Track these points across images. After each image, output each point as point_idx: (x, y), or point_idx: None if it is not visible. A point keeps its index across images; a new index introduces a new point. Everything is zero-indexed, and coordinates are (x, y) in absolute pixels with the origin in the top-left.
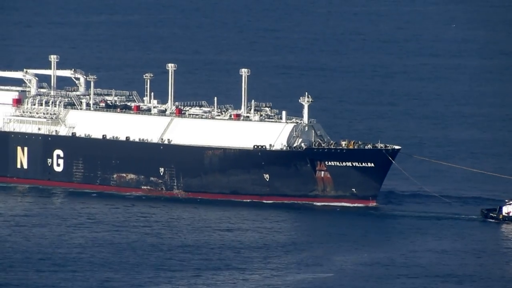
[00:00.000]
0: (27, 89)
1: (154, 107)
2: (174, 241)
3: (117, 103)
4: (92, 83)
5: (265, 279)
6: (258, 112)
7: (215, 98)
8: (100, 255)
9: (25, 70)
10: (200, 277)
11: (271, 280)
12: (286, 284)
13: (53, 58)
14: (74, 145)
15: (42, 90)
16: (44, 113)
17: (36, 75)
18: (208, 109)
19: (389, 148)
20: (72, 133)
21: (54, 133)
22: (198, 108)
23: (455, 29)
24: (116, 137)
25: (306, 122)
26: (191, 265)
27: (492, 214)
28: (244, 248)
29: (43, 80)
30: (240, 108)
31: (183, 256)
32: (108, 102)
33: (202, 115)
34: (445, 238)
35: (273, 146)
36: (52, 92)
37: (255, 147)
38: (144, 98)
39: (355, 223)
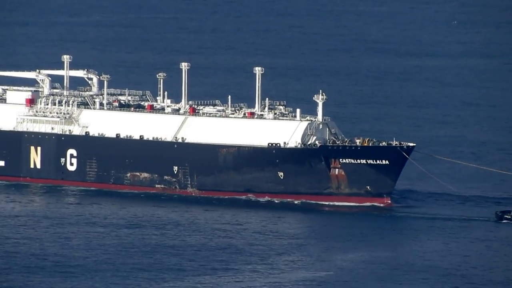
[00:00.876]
0: (40, 89)
1: (167, 106)
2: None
3: (131, 102)
4: (105, 83)
5: (273, 278)
6: (272, 110)
7: (229, 97)
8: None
9: (38, 70)
10: (202, 276)
11: (275, 279)
12: (293, 282)
13: (66, 58)
14: (88, 145)
15: (55, 90)
16: (57, 113)
17: (49, 75)
18: (222, 107)
19: (403, 145)
20: (86, 132)
21: (67, 133)
22: (212, 107)
23: (466, 29)
24: (130, 136)
25: (321, 120)
26: (196, 264)
27: (507, 216)
28: (259, 245)
29: (56, 81)
30: (254, 107)
31: (191, 255)
32: (122, 101)
33: (216, 113)
34: (459, 240)
35: (288, 144)
36: (65, 92)
37: (269, 145)
38: (158, 98)
39: (369, 222)
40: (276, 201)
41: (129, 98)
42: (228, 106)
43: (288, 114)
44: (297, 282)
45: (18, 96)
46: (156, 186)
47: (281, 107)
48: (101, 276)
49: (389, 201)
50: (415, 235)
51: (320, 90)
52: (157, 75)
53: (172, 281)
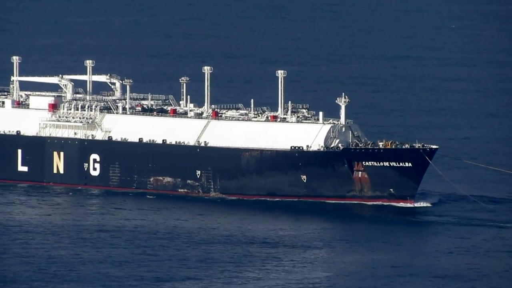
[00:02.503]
0: (63, 94)
1: (190, 110)
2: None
3: (153, 107)
4: (128, 88)
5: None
6: (295, 114)
7: (252, 100)
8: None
9: (60, 75)
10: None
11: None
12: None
13: (89, 63)
14: (111, 149)
15: (77, 95)
16: (80, 118)
17: (72, 80)
18: (245, 111)
19: (426, 147)
20: (109, 137)
21: (90, 138)
22: (234, 110)
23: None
24: (153, 141)
25: (343, 123)
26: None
27: None
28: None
29: (78, 86)
30: (277, 110)
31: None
32: (144, 106)
33: (239, 117)
34: (483, 244)
35: (310, 147)
36: (87, 97)
37: (292, 148)
38: (181, 102)
39: (392, 224)
40: (299, 203)
41: (152, 102)
42: (250, 109)
43: (311, 117)
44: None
45: (41, 101)
46: (179, 190)
47: (304, 110)
48: None
49: (413, 204)
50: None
51: (343, 93)
52: (180, 79)
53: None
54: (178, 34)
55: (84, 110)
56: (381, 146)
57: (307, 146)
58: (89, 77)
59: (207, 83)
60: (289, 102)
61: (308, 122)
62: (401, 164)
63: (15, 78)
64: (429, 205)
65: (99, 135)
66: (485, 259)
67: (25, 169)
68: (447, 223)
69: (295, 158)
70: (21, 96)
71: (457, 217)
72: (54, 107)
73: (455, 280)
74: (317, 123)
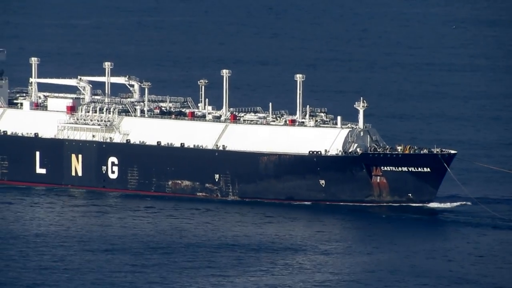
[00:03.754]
0: (81, 96)
1: (208, 113)
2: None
3: (172, 109)
4: (146, 90)
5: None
6: (313, 118)
7: (270, 104)
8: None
9: (79, 77)
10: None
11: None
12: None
13: (107, 65)
14: (129, 152)
15: (96, 97)
16: (98, 120)
17: (90, 82)
18: (263, 115)
19: (445, 152)
20: (127, 140)
21: (108, 140)
22: (253, 114)
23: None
24: (171, 144)
25: (362, 127)
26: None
27: None
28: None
29: (97, 88)
30: (295, 114)
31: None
32: (163, 108)
33: (257, 121)
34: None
35: (329, 151)
36: (106, 99)
37: (311, 152)
38: (199, 105)
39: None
40: (317, 208)
41: (170, 105)
42: (269, 113)
43: (329, 121)
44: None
45: (59, 103)
46: (198, 194)
47: (322, 114)
48: None
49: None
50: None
51: (361, 97)
52: (198, 81)
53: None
54: (199, 36)
55: (103, 113)
56: (399, 151)
57: (325, 150)
58: (107, 79)
59: (225, 87)
60: (307, 106)
61: (326, 126)
62: (419, 169)
63: (34, 79)
64: (445, 206)
65: (117, 138)
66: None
67: (43, 171)
68: (465, 225)
69: (313, 163)
70: (39, 98)
71: (475, 219)
72: (72, 109)
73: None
74: (335, 127)
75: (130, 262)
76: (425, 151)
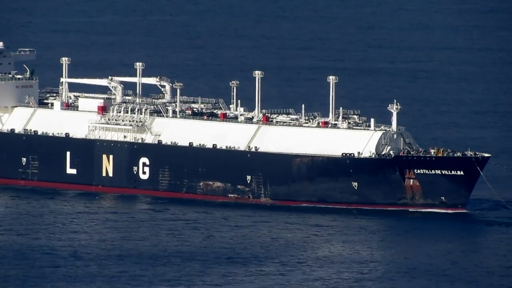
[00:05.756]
0: (112, 96)
1: (240, 115)
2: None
3: (203, 110)
4: (178, 91)
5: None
6: (346, 120)
7: (303, 106)
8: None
9: (110, 77)
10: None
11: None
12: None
13: (139, 66)
14: (160, 153)
15: (127, 97)
16: (129, 121)
17: (121, 82)
18: (296, 116)
19: (478, 156)
20: (158, 140)
21: (139, 141)
22: (285, 115)
23: None
24: (203, 145)
25: (395, 130)
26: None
27: None
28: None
29: (128, 88)
30: (328, 116)
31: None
32: (194, 109)
33: (290, 122)
34: None
35: (362, 154)
36: (137, 100)
37: (343, 154)
38: (231, 106)
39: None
40: (350, 211)
41: (202, 106)
42: (301, 115)
43: (362, 123)
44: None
45: (90, 103)
46: (229, 195)
47: (355, 116)
48: None
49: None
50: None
51: (395, 100)
52: (230, 82)
53: None
54: (229, 37)
55: (134, 113)
56: (432, 153)
57: (359, 152)
58: (138, 80)
59: (257, 88)
60: (340, 108)
61: (360, 129)
62: (453, 172)
63: (64, 79)
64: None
65: (149, 139)
66: None
67: (73, 171)
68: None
69: (346, 165)
70: (70, 98)
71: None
72: (103, 109)
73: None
74: (369, 129)
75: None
76: (459, 154)
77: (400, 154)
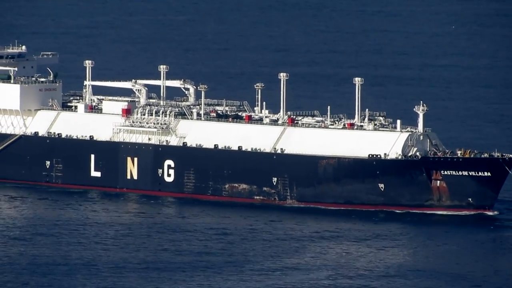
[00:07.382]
0: (136, 99)
1: (266, 117)
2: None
3: (228, 113)
4: (202, 93)
5: None
6: (372, 121)
7: (328, 107)
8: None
9: (134, 80)
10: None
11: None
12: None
13: (163, 68)
14: (185, 155)
15: (151, 100)
16: (154, 123)
17: (146, 85)
18: (321, 118)
19: (505, 157)
20: (183, 143)
21: (164, 143)
22: (310, 117)
23: None
24: (228, 147)
25: (421, 131)
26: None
27: None
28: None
29: (152, 91)
30: (353, 117)
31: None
32: (219, 112)
33: (315, 124)
34: None
35: (388, 155)
36: (161, 102)
37: (370, 156)
38: (255, 108)
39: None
40: (376, 212)
41: (227, 108)
42: (327, 116)
43: (388, 125)
44: None
45: (114, 106)
46: (255, 197)
47: (381, 118)
48: None
49: (491, 213)
50: None
51: (421, 101)
52: (255, 85)
53: None
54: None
55: (159, 116)
56: (459, 155)
57: (385, 154)
58: (162, 82)
59: (283, 90)
60: (366, 109)
61: (386, 130)
62: (479, 173)
63: (88, 82)
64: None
65: (174, 141)
66: None
67: (98, 174)
68: None
69: (373, 166)
70: (93, 101)
71: None
72: (128, 112)
73: None
74: (395, 131)
75: None
76: (486, 155)
77: (430, 155)
